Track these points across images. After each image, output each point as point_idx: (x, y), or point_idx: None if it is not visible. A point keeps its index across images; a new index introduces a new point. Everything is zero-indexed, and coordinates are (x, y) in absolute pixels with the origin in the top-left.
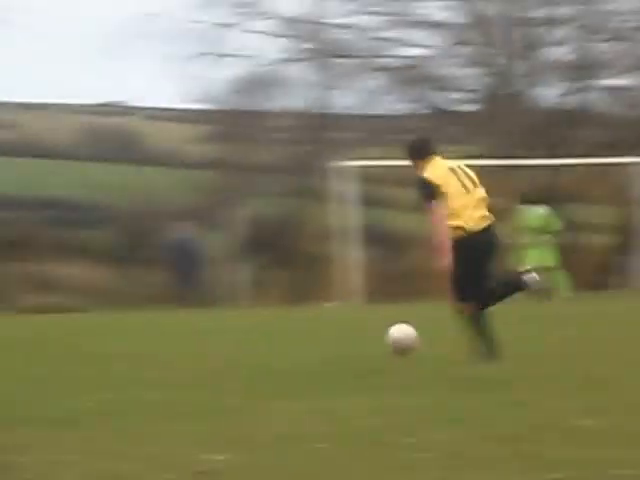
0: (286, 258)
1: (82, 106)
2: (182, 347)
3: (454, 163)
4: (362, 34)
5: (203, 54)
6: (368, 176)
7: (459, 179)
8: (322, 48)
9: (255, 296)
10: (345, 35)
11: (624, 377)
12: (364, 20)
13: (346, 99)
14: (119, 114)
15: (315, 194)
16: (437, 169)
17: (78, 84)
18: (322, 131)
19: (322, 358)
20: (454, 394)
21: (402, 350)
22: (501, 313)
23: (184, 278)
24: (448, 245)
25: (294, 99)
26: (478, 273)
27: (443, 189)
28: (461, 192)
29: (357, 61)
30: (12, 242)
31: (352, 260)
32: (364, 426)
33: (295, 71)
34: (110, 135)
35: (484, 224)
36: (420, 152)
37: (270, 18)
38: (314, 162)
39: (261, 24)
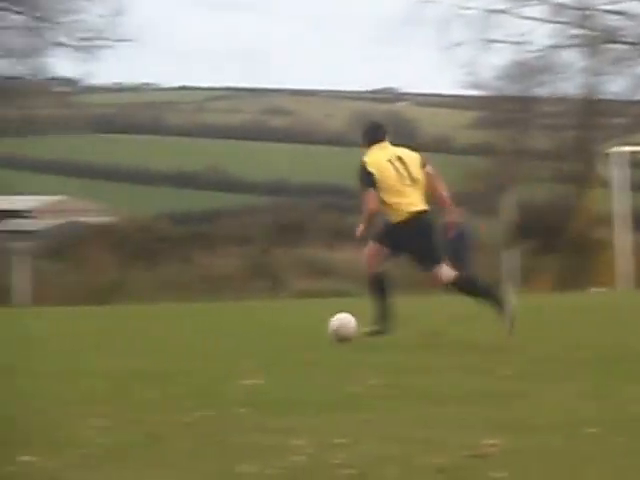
0: (555, 244)
1: (354, 93)
2: (448, 333)
3: (398, 150)
4: (632, 20)
5: (473, 40)
6: (638, 161)
7: (395, 166)
8: (592, 34)
9: (525, 282)
10: (615, 21)
11: None
12: (634, 6)
13: (616, 85)
14: (391, 100)
15: (585, 179)
16: (375, 156)
17: (351, 71)
18: (592, 117)
19: (589, 343)
20: None
21: (341, 338)
22: None
23: (457, 264)
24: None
25: (564, 85)
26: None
27: (377, 175)
28: (396, 179)
29: (627, 47)
30: (287, 227)
31: (621, 245)
32: (637, 412)
33: (565, 57)
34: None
35: (416, 210)
36: (365, 137)
37: (540, 4)
38: (583, 147)
39: (531, 10)
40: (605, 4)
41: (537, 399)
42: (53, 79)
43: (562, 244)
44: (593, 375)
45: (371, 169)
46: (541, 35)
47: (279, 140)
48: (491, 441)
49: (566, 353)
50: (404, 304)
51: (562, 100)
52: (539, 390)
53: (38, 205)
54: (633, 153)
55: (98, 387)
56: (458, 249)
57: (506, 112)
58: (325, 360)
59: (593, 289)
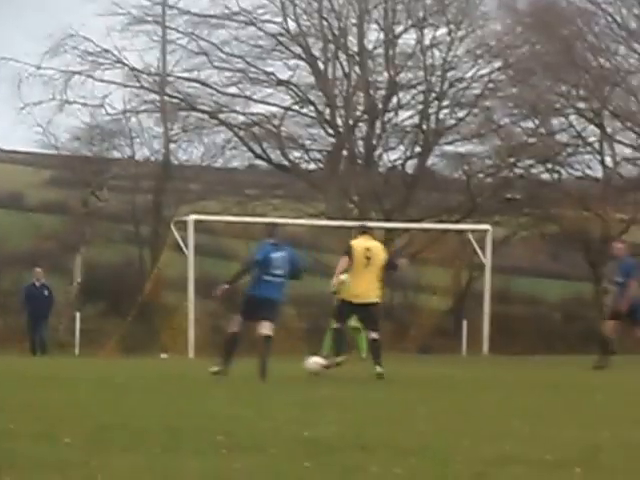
0: (123, 307)
1: None
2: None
3: None
4: (208, 88)
5: (50, 101)
6: (207, 228)
7: None
8: (169, 100)
9: (92, 345)
10: (191, 89)
11: None
12: (210, 75)
13: (189, 152)
14: None
15: (157, 243)
16: None
17: None
18: (166, 182)
19: (156, 412)
20: None
21: None
22: None
23: (34, 324)
24: None
25: (139, 149)
26: None
27: None
28: None
29: (203, 115)
30: None
31: (188, 312)
32: None
33: (140, 121)
34: None
35: None
36: None
37: (118, 68)
38: (157, 211)
39: (110, 73)
40: (182, 72)
41: (99, 468)
42: None
43: (130, 307)
44: (156, 446)
45: None
46: (118, 99)
47: None
48: None
49: (135, 421)
50: None
51: (138, 164)
52: (101, 459)
53: None
54: (199, 221)
55: None
56: (37, 309)
57: (80, 173)
58: None
59: (163, 355)
